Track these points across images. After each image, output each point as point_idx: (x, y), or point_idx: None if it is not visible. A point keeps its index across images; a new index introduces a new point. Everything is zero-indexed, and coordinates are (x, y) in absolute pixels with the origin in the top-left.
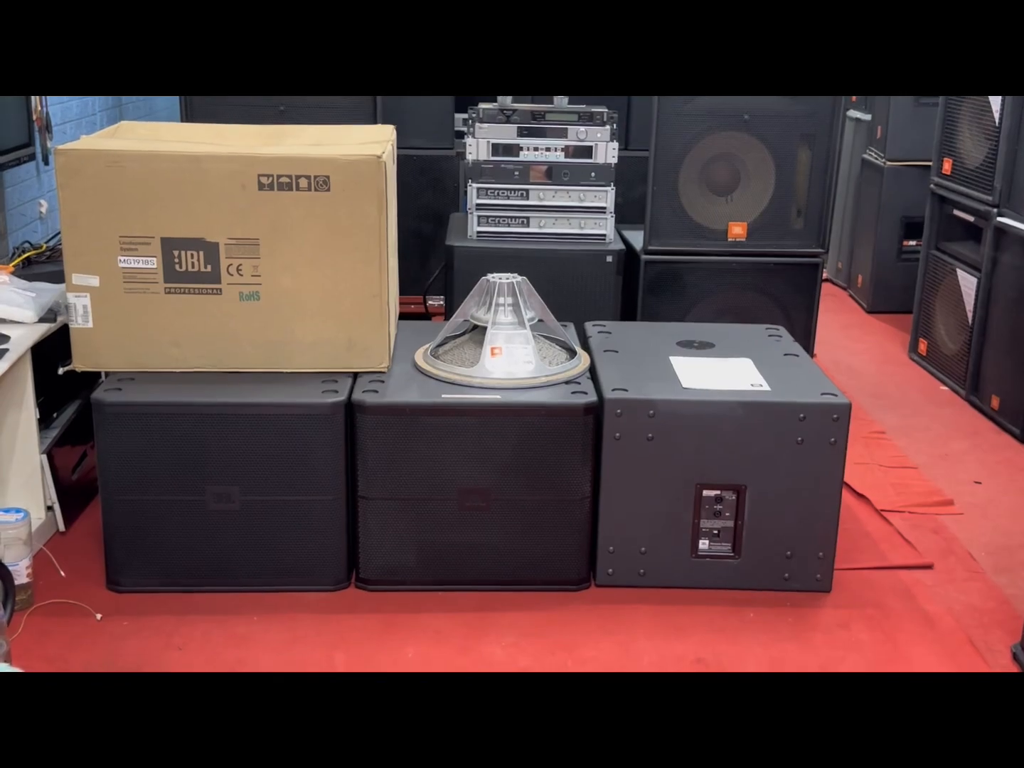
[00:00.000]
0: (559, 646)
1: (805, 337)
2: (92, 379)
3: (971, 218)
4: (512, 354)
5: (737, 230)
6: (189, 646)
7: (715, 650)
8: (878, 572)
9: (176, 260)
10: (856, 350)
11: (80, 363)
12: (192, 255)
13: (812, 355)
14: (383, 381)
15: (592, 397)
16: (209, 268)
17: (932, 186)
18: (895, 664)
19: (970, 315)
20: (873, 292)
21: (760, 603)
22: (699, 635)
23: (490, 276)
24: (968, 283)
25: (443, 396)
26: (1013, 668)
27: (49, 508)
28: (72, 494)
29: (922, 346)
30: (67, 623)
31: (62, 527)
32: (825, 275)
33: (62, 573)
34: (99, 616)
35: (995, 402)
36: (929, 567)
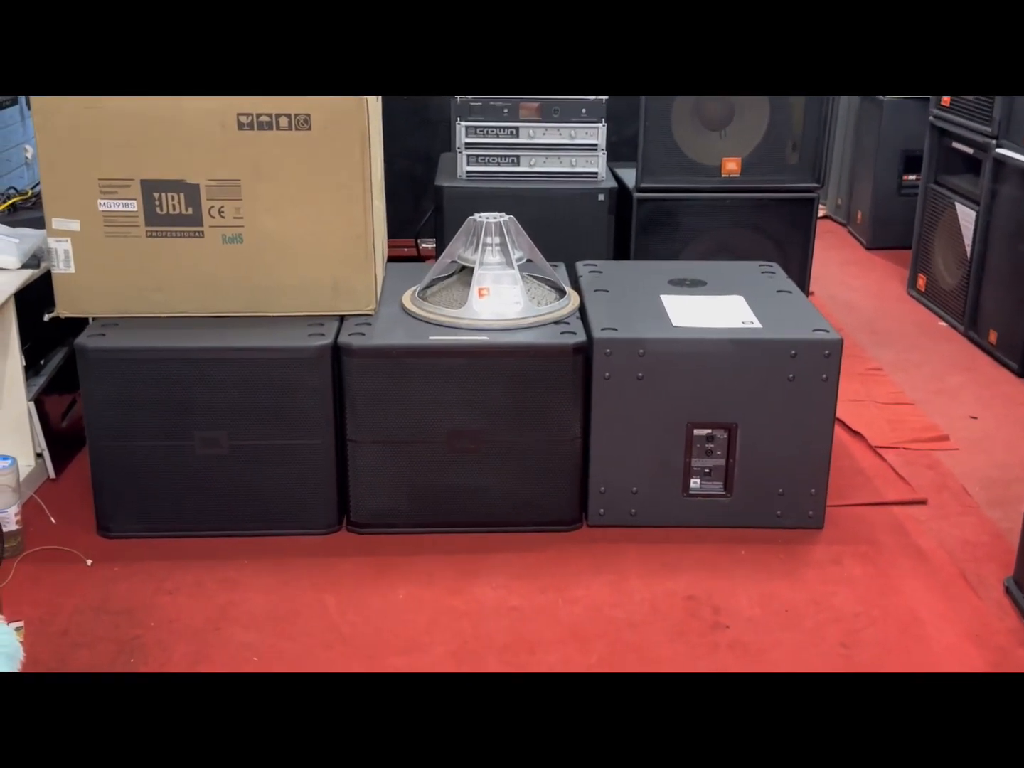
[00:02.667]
0: (550, 586)
1: (800, 273)
2: (80, 325)
3: (970, 150)
4: (500, 295)
5: (731, 166)
6: (180, 591)
7: (706, 587)
8: (871, 508)
9: (157, 203)
10: (854, 286)
11: (63, 309)
12: (173, 197)
13: (808, 292)
14: (370, 324)
15: (581, 337)
16: (190, 210)
17: (931, 119)
18: (887, 598)
19: (968, 249)
20: (872, 228)
21: (752, 540)
22: (690, 573)
23: (477, 216)
24: (967, 216)
25: (430, 338)
26: (1005, 601)
27: (39, 455)
28: (63, 441)
29: (921, 282)
30: (58, 569)
31: (52, 474)
32: (825, 212)
33: (52, 520)
34: (89, 562)
35: (993, 336)
36: (923, 502)
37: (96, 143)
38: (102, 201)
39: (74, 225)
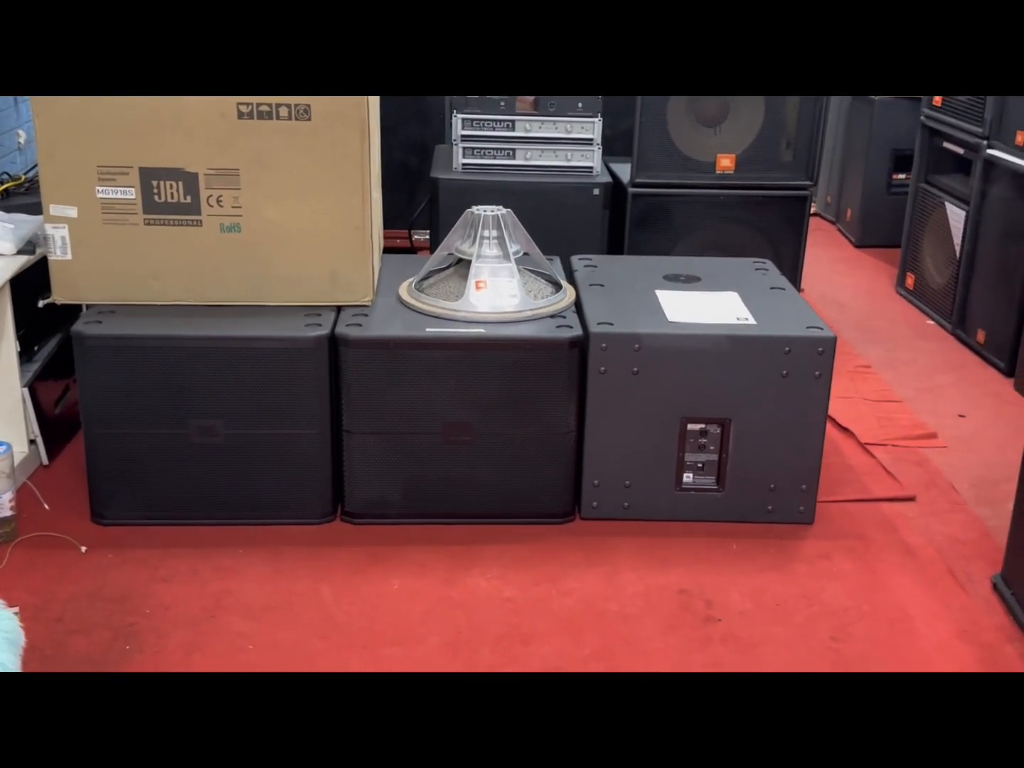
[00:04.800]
0: (543, 577)
1: (793, 270)
2: (75, 312)
3: (961, 150)
4: (497, 288)
5: (725, 162)
6: (175, 578)
7: (698, 581)
8: (861, 504)
9: (155, 190)
10: (844, 284)
11: (59, 295)
12: (171, 185)
13: (799, 289)
14: (367, 315)
15: (577, 331)
16: (189, 199)
17: (923, 118)
18: (876, 594)
19: (958, 248)
20: (862, 226)
21: (743, 535)
22: (683, 566)
23: (475, 208)
24: (956, 216)
25: (427, 330)
26: (993, 598)
27: (32, 442)
28: (56, 427)
29: (909, 280)
30: (52, 556)
31: (45, 460)
32: (814, 209)
33: (46, 506)
34: (84, 549)
35: (981, 336)
36: (912, 499)
37: (95, 130)
38: (100, 188)
39: (72, 212)
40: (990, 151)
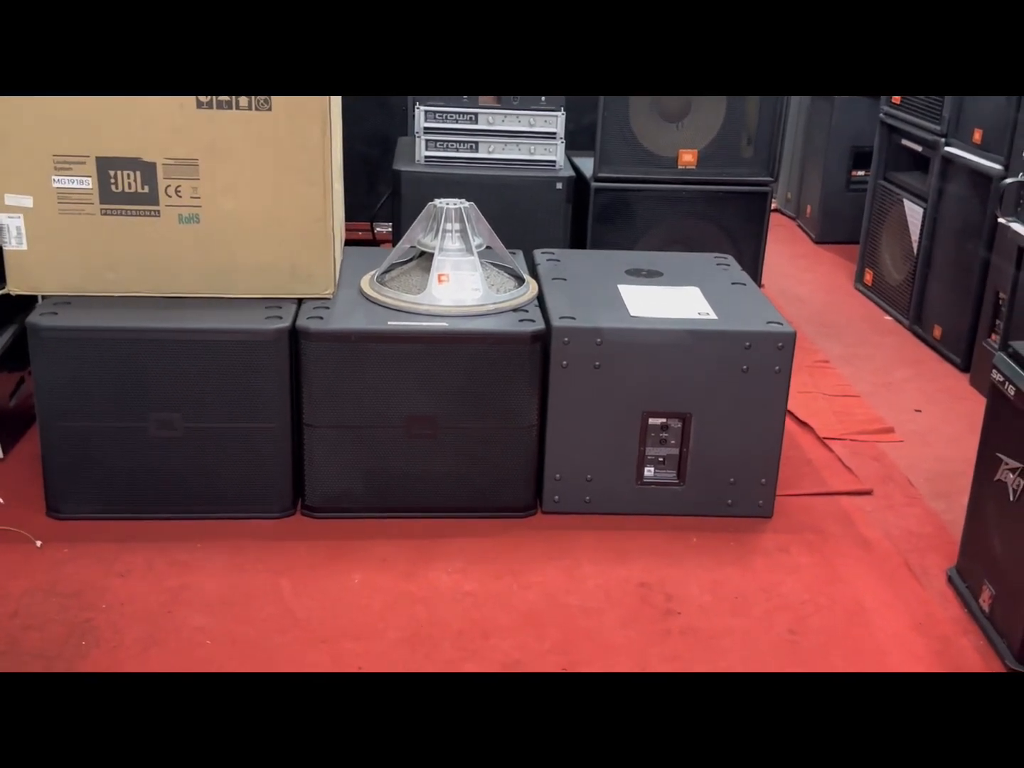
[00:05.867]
0: (505, 571)
1: (753, 266)
2: (29, 303)
3: (919, 148)
4: (459, 281)
5: (687, 157)
6: (132, 573)
7: (659, 574)
8: (819, 498)
9: (112, 180)
10: (803, 280)
11: (14, 286)
12: (128, 175)
13: (760, 284)
14: (328, 308)
15: (540, 325)
16: (146, 189)
17: (881, 115)
18: (833, 587)
19: (915, 245)
20: (821, 222)
21: (703, 528)
22: (643, 560)
23: (437, 201)
24: (914, 213)
25: (389, 323)
26: (948, 591)
27: None
28: (11, 420)
29: (868, 276)
30: (6, 550)
31: (0, 454)
32: (775, 205)
33: (0, 500)
34: (39, 543)
35: (937, 331)
36: (868, 493)
37: (51, 119)
38: (56, 177)
39: (27, 201)
40: (948, 149)
